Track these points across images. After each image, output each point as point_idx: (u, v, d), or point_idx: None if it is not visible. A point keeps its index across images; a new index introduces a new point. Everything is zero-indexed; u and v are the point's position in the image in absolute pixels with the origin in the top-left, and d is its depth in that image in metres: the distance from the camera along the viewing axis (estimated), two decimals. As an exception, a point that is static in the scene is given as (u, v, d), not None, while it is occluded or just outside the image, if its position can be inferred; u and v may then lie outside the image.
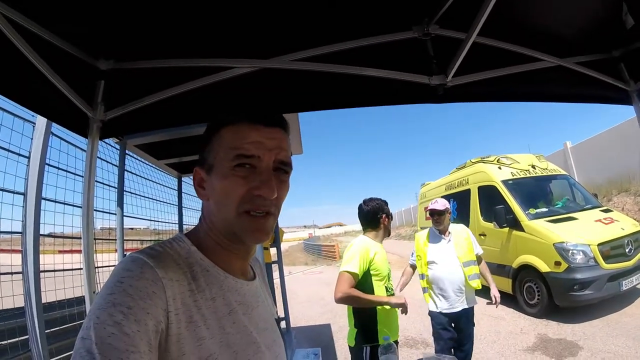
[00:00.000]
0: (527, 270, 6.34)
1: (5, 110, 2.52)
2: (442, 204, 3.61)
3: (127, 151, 3.57)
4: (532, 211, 6.73)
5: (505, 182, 7.32)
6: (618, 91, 2.31)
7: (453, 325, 3.47)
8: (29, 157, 2.62)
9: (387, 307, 2.54)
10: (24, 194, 2.57)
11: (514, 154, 8.20)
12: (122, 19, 1.53)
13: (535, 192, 7.51)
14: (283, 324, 4.91)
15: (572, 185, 7.99)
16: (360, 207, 2.87)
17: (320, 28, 1.85)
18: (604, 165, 12.04)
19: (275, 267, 5.46)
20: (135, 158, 4.06)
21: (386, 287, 2.61)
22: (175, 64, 1.79)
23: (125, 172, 3.70)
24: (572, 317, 5.63)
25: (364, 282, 2.52)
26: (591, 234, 5.89)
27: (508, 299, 6.50)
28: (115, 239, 3.60)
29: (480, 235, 7.29)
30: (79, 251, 3.06)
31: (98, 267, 2.69)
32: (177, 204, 4.89)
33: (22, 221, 2.55)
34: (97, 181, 2.46)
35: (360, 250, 2.57)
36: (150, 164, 4.30)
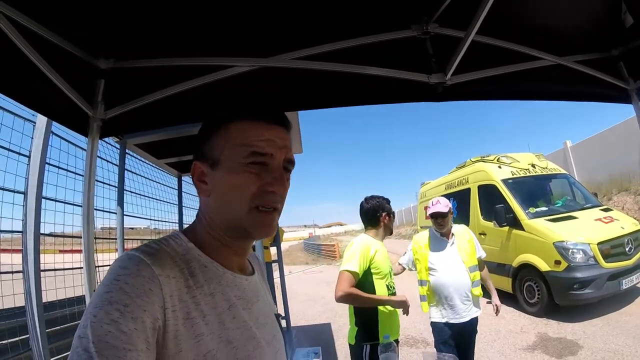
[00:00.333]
0: (527, 269, 6.35)
1: (6, 110, 2.52)
2: (444, 205, 3.21)
3: (127, 150, 3.58)
4: (532, 210, 6.74)
5: (505, 181, 7.32)
6: (617, 90, 2.31)
7: (459, 336, 3.07)
8: (29, 156, 2.63)
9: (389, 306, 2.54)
10: (25, 193, 2.58)
11: (514, 153, 8.20)
12: (122, 18, 1.53)
13: (535, 191, 7.52)
14: (283, 323, 4.91)
15: (572, 184, 7.99)
16: (361, 205, 2.86)
17: (320, 27, 1.85)
18: (604, 165, 12.05)
19: (275, 266, 5.47)
20: (135, 157, 4.07)
21: (387, 285, 2.60)
22: (176, 62, 1.79)
23: (126, 172, 3.70)
24: (572, 316, 5.64)
25: (364, 280, 2.52)
26: (591, 232, 5.90)
27: (508, 298, 6.49)
28: (116, 239, 3.61)
29: (480, 234, 7.29)
30: (79, 251, 3.08)
31: (98, 266, 2.70)
32: (177, 203, 4.90)
33: (23, 220, 2.56)
34: (97, 180, 2.46)
35: (361, 249, 2.56)
36: (151, 163, 4.31)
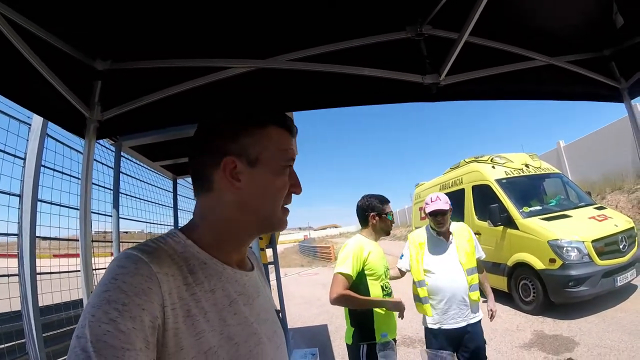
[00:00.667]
0: (522, 267, 6.38)
1: (1, 112, 2.51)
2: (445, 201, 2.95)
3: (122, 153, 3.56)
4: (526, 209, 6.78)
5: (499, 181, 7.37)
6: (609, 89, 2.36)
7: (456, 343, 2.85)
8: (24, 159, 2.61)
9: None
10: (20, 196, 2.56)
11: (508, 153, 8.26)
12: (118, 19, 1.54)
13: (529, 190, 7.57)
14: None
15: (566, 183, 8.06)
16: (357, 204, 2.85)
17: (316, 29, 1.87)
18: (597, 164, 12.17)
19: (271, 268, 5.45)
20: (130, 160, 4.05)
21: (382, 286, 2.58)
22: (172, 64, 1.80)
23: (121, 174, 3.69)
24: (568, 314, 5.68)
25: (359, 282, 2.51)
26: (585, 230, 5.94)
27: (504, 297, 6.54)
28: (111, 241, 3.60)
29: (475, 234, 7.30)
30: (74, 255, 3.07)
31: (95, 270, 2.69)
32: (172, 206, 4.89)
33: (18, 223, 2.54)
34: (93, 183, 2.46)
35: (354, 250, 2.54)
36: (146, 166, 4.30)
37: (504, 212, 6.79)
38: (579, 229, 5.97)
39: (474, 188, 8.03)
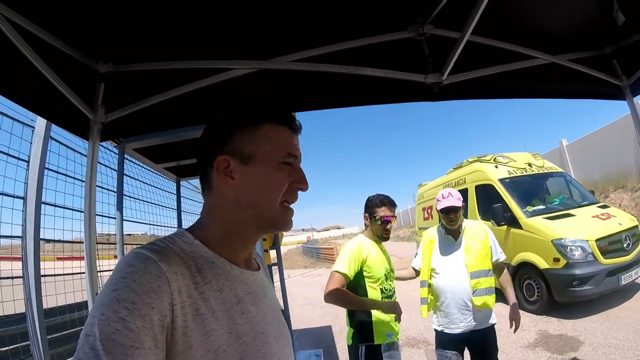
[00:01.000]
0: (526, 267, 6.35)
1: (5, 115, 2.53)
2: (457, 197, 2.80)
3: (125, 155, 3.57)
4: (530, 209, 6.75)
5: (502, 180, 7.34)
6: (611, 87, 2.35)
7: (461, 349, 2.70)
8: (28, 161, 2.63)
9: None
10: (24, 198, 2.57)
11: (511, 153, 8.23)
12: (121, 21, 1.54)
13: (532, 189, 7.53)
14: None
15: (569, 182, 8.02)
16: None
17: (318, 29, 1.88)
18: (600, 162, 12.12)
19: (275, 269, 5.46)
20: (133, 162, 4.06)
21: (382, 289, 2.53)
22: (174, 66, 1.81)
23: (124, 177, 3.70)
24: (572, 313, 5.65)
25: (357, 284, 2.48)
26: (589, 229, 5.91)
27: (508, 297, 6.50)
28: (115, 244, 3.61)
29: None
30: (78, 258, 3.08)
31: (100, 272, 2.70)
32: (175, 207, 4.90)
33: (22, 225, 2.55)
34: (97, 185, 2.47)
35: (352, 250, 2.51)
36: (149, 168, 4.31)
37: (507, 212, 6.77)
38: (582, 228, 5.95)
39: (477, 188, 8.00)
